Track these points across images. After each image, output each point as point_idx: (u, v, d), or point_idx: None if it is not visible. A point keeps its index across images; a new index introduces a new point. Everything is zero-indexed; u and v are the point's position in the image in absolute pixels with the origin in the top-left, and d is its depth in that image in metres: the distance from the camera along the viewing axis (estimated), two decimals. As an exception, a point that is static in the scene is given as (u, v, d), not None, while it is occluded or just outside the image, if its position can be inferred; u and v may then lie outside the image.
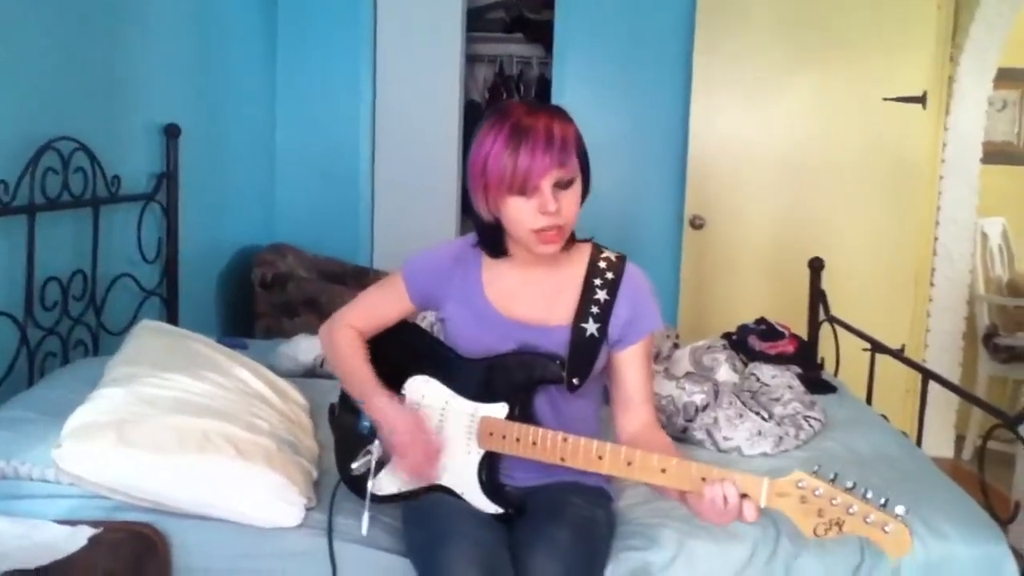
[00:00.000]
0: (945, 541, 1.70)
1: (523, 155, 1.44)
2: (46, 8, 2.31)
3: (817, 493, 1.27)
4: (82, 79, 2.49)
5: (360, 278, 3.79)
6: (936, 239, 4.06)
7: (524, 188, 1.46)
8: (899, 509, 1.24)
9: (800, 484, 1.28)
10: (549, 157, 1.44)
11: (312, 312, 3.44)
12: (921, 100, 3.71)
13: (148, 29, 2.84)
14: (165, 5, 2.95)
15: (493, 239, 1.58)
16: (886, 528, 1.23)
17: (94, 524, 1.54)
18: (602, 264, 1.63)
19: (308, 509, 1.69)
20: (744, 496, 1.32)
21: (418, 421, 1.59)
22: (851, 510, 1.25)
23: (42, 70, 2.30)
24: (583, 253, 1.65)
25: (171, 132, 2.95)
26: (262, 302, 3.53)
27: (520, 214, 1.48)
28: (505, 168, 1.45)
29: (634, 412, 1.63)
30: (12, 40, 2.17)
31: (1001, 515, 1.82)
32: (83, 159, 2.45)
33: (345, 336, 1.72)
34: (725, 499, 1.31)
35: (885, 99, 3.72)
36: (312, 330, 2.78)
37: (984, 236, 4.32)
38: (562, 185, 1.48)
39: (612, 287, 1.61)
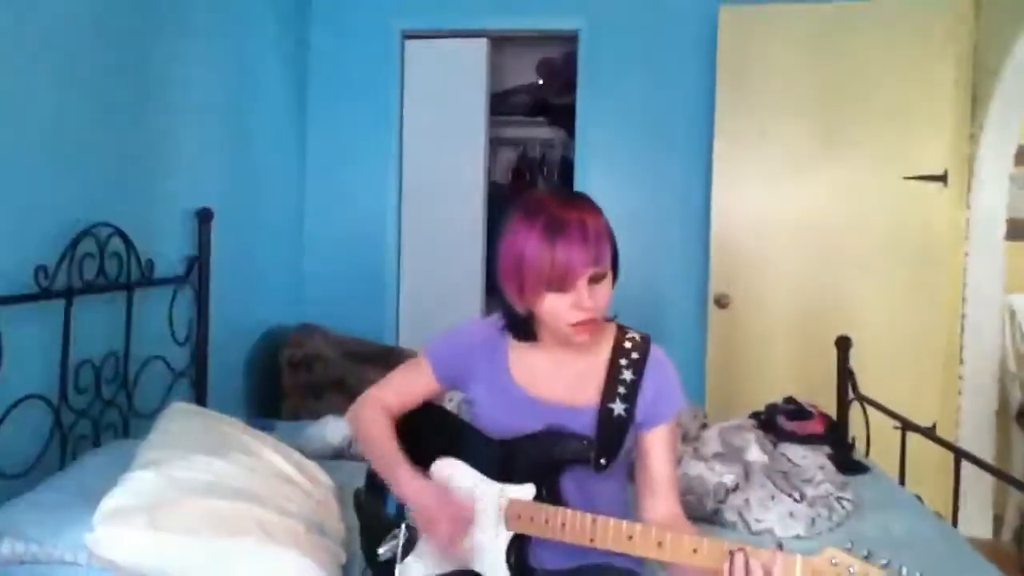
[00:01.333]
0: (986, 626, 1.66)
1: (560, 252, 1.45)
2: (83, 98, 2.40)
3: (852, 570, 1.25)
4: (119, 166, 2.58)
5: (386, 358, 3.81)
6: (964, 316, 4.03)
7: (562, 285, 1.47)
8: (935, 586, 1.22)
9: (834, 561, 1.27)
10: (586, 254, 1.45)
11: (339, 393, 3.46)
12: (942, 178, 3.74)
13: (181, 116, 2.94)
14: (198, 92, 3.06)
15: (523, 327, 1.60)
16: (923, 606, 1.21)
17: (124, 609, 1.54)
18: (627, 344, 1.64)
19: (336, 593, 1.68)
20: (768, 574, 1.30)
21: (446, 493, 1.59)
22: (887, 587, 1.23)
23: (80, 158, 2.39)
24: (608, 334, 1.66)
25: (204, 216, 3.02)
26: (289, 383, 3.55)
27: (556, 309, 1.50)
28: (543, 266, 1.46)
29: (661, 498, 1.62)
30: (52, 130, 2.26)
31: (1043, 599, 1.77)
32: (118, 244, 2.51)
33: (373, 415, 1.72)
34: (746, 563, 1.30)
35: (906, 177, 3.75)
36: (338, 411, 2.80)
37: (1012, 312, 4.29)
38: (596, 279, 1.50)
39: (638, 367, 1.62)
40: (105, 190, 2.51)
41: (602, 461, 1.55)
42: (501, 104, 4.86)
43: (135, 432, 2.51)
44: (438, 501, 1.56)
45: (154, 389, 2.74)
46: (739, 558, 1.32)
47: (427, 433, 1.70)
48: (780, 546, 1.34)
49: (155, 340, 2.77)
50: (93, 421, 2.40)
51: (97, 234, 2.40)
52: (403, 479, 1.60)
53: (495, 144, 4.83)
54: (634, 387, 1.60)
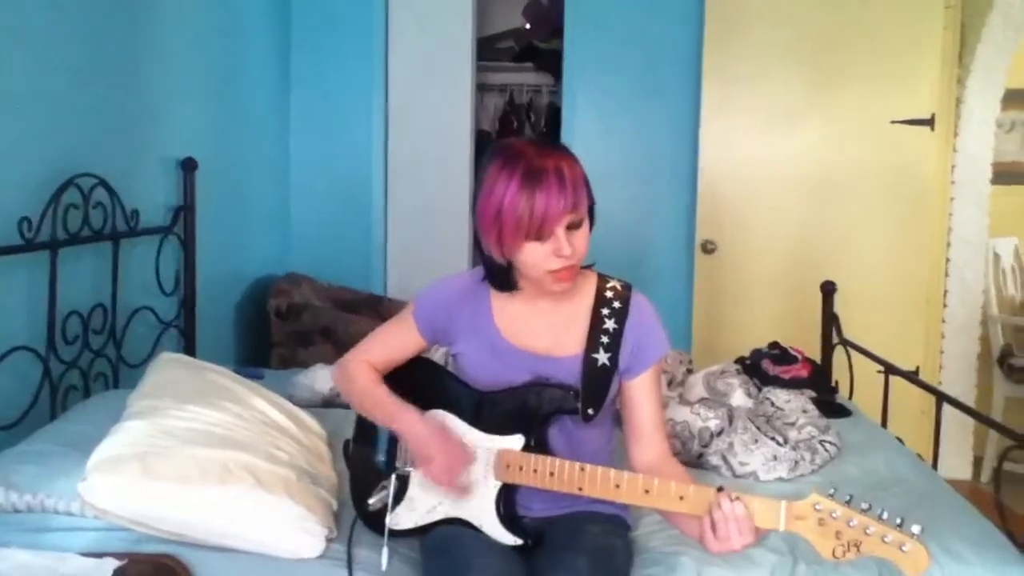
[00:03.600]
0: (963, 563, 1.70)
1: (538, 202, 1.45)
2: (65, 48, 2.36)
3: (834, 515, 1.29)
4: (101, 116, 2.55)
5: (374, 306, 3.82)
6: (948, 260, 4.07)
7: (540, 234, 1.48)
8: (915, 528, 1.25)
9: (817, 507, 1.30)
10: (563, 202, 1.46)
11: (327, 341, 3.47)
12: (929, 122, 3.73)
13: (164, 65, 2.89)
14: (180, 41, 3.01)
15: (503, 276, 1.60)
16: (903, 548, 1.24)
17: (119, 556, 1.56)
18: (609, 293, 1.65)
19: (328, 540, 1.70)
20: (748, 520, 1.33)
21: (444, 430, 1.61)
22: (868, 531, 1.26)
23: (62, 108, 2.36)
24: (589, 282, 1.67)
25: (188, 166, 3.00)
26: (277, 332, 3.56)
27: (535, 258, 1.51)
28: (521, 216, 1.46)
29: (647, 442, 1.65)
30: (33, 80, 2.23)
31: (1019, 537, 1.82)
32: (103, 194, 2.49)
33: (360, 369, 1.74)
34: (733, 510, 1.33)
35: (893, 122, 3.74)
36: (327, 359, 2.81)
37: (996, 256, 4.32)
38: (574, 226, 1.50)
39: (620, 316, 1.63)
40: (88, 140, 2.48)
41: (589, 411, 1.57)
42: (487, 49, 4.80)
43: (125, 382, 2.52)
44: (437, 437, 1.58)
45: (142, 339, 2.75)
46: (718, 514, 1.34)
47: (415, 386, 1.71)
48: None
49: (142, 290, 2.77)
50: (82, 372, 2.41)
51: (81, 184, 2.38)
52: (401, 416, 1.62)
53: (482, 90, 4.78)
54: (617, 336, 1.61)
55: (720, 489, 1.37)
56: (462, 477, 1.58)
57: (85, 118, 2.46)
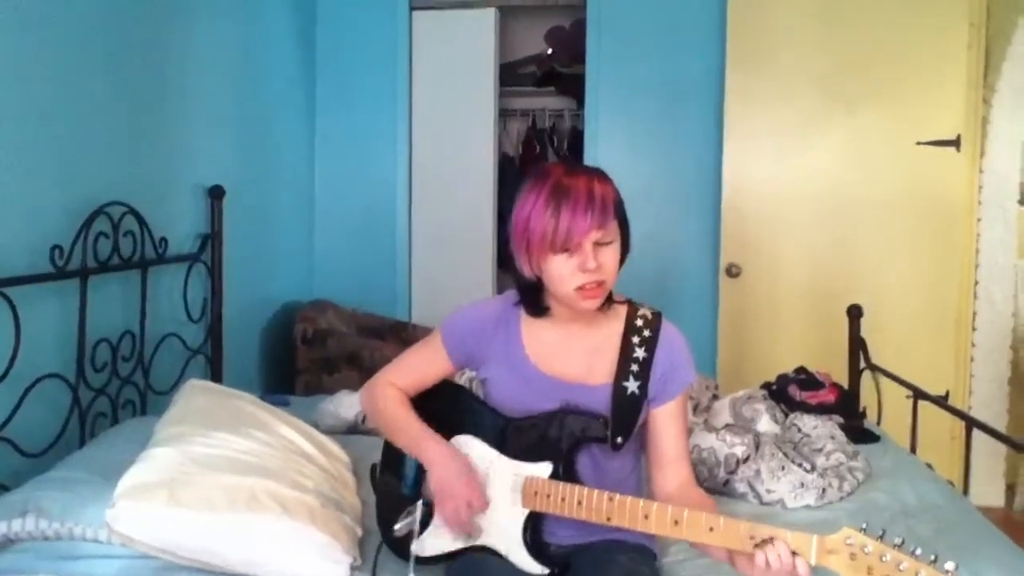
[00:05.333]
0: (997, 595, 1.67)
1: (564, 214, 1.48)
2: (93, 77, 2.40)
3: (867, 550, 1.27)
4: (130, 145, 2.59)
5: (399, 332, 3.83)
6: (976, 282, 4.01)
7: (566, 246, 1.49)
8: (949, 565, 1.23)
9: (849, 541, 1.28)
10: (590, 216, 1.48)
11: (352, 368, 3.49)
12: (955, 143, 3.71)
13: (192, 93, 2.94)
14: (208, 70, 3.06)
15: (534, 297, 1.61)
16: (937, 585, 1.22)
17: (146, 585, 1.56)
18: (639, 322, 1.65)
19: (353, 568, 1.70)
20: (795, 554, 1.31)
21: (468, 466, 1.61)
22: (901, 567, 1.24)
23: (92, 138, 2.40)
24: (620, 311, 1.67)
25: (215, 193, 3.03)
26: (303, 358, 3.58)
27: (562, 271, 1.51)
28: (547, 227, 1.48)
29: (671, 469, 1.64)
30: (62, 110, 2.27)
31: (1054, 567, 1.78)
32: (132, 222, 2.53)
33: (388, 394, 1.74)
34: (780, 558, 1.31)
35: (919, 143, 3.72)
36: (352, 385, 2.82)
37: (1026, 278, 4.27)
38: (602, 244, 1.52)
39: (650, 344, 1.63)
40: (117, 169, 2.52)
41: (618, 440, 1.57)
42: (510, 75, 4.82)
43: (152, 409, 2.55)
44: (463, 479, 1.58)
45: (170, 366, 2.77)
46: (760, 558, 1.32)
47: (442, 411, 1.71)
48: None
49: (170, 318, 2.80)
50: (111, 399, 2.43)
51: (111, 212, 2.41)
52: (428, 446, 1.63)
53: (505, 115, 4.80)
54: (646, 364, 1.61)
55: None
56: (470, 522, 1.58)
57: (114, 147, 2.50)
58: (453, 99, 4.19)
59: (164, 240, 2.71)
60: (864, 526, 1.29)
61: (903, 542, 1.27)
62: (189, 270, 2.88)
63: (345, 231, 4.19)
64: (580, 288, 1.52)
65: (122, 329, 2.51)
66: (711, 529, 1.38)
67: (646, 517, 1.44)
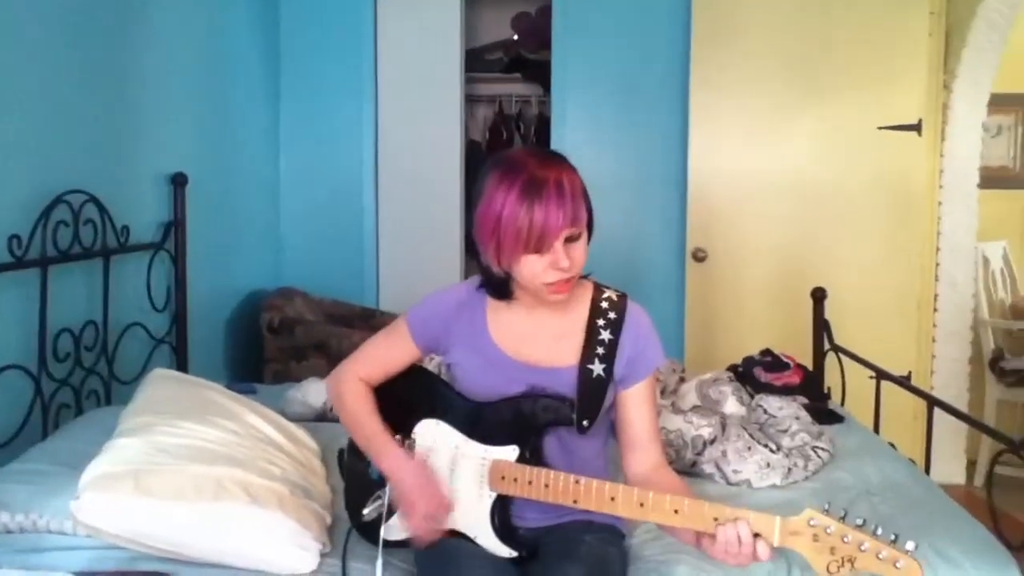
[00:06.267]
0: (956, 568, 1.70)
1: (537, 214, 1.45)
2: (53, 64, 2.36)
3: (829, 531, 1.29)
4: (90, 132, 2.55)
5: (367, 320, 3.82)
6: (938, 265, 4.08)
7: (539, 246, 1.47)
8: (909, 545, 1.25)
9: (812, 522, 1.30)
10: (563, 215, 1.46)
11: (320, 355, 3.47)
12: (916, 128, 3.76)
13: (153, 81, 2.90)
14: (169, 56, 3.01)
15: (500, 286, 1.60)
16: (897, 564, 1.24)
17: (112, 575, 1.55)
18: (604, 304, 1.66)
19: (323, 554, 1.70)
20: (757, 535, 1.33)
21: (428, 475, 1.60)
22: (863, 547, 1.27)
23: (51, 125, 2.36)
24: (585, 293, 1.67)
25: (178, 181, 3.00)
26: (270, 347, 3.56)
27: (533, 270, 1.50)
28: (520, 228, 1.45)
29: (642, 451, 1.65)
30: (22, 98, 2.23)
31: (1012, 541, 1.82)
32: (93, 211, 2.49)
33: (352, 388, 1.73)
34: (739, 539, 1.33)
35: (881, 127, 3.76)
36: (321, 373, 2.81)
37: (986, 260, 4.35)
38: (572, 239, 1.50)
39: (616, 327, 1.63)
40: (77, 156, 2.48)
41: (584, 422, 1.57)
42: (477, 60, 4.81)
43: (117, 399, 2.52)
44: (421, 486, 1.58)
45: (134, 356, 2.74)
46: (723, 533, 1.34)
47: (410, 396, 1.71)
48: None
49: (134, 307, 2.76)
50: (74, 389, 2.41)
51: (70, 201, 2.38)
52: (388, 454, 1.62)
53: (471, 101, 4.79)
54: (612, 347, 1.62)
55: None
56: (436, 528, 1.58)
57: (74, 135, 2.46)
58: (419, 85, 4.17)
59: (126, 229, 2.67)
60: (827, 506, 1.31)
61: (864, 522, 1.29)
62: (152, 259, 2.85)
63: (312, 218, 4.16)
64: (550, 283, 1.52)
65: (85, 319, 2.47)
66: (676, 511, 1.39)
67: (612, 499, 1.45)
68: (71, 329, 2.38)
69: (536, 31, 4.77)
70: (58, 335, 2.33)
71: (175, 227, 2.99)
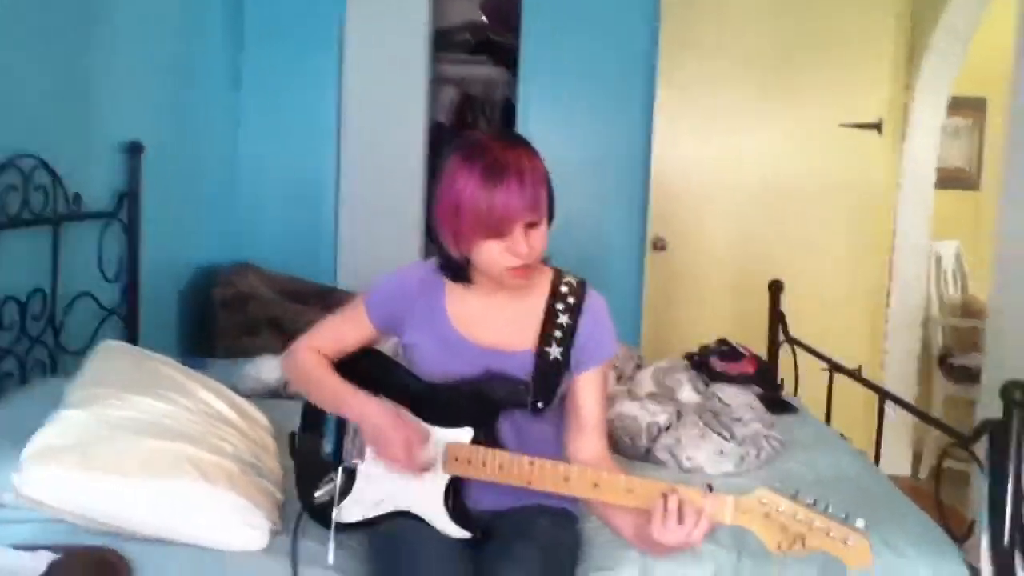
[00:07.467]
0: (903, 558, 1.73)
1: (498, 200, 1.43)
2: (9, 28, 2.28)
3: (780, 509, 1.30)
4: (44, 96, 2.47)
5: (323, 298, 3.77)
6: (892, 262, 4.14)
7: (499, 232, 1.46)
8: (859, 523, 1.27)
9: (763, 501, 1.31)
10: (523, 201, 1.44)
11: (274, 332, 3.42)
12: (877, 127, 3.80)
13: (111, 46, 2.82)
14: (128, 22, 2.93)
15: (458, 270, 1.59)
16: (847, 541, 1.26)
17: (55, 549, 1.51)
18: (564, 289, 1.65)
19: (273, 533, 1.67)
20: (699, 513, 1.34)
21: (397, 414, 1.58)
22: (813, 525, 1.28)
23: (3, 88, 2.28)
24: (545, 277, 1.66)
25: (133, 150, 2.93)
26: (222, 321, 3.50)
27: (491, 255, 1.49)
28: (479, 213, 1.44)
29: (587, 439, 1.65)
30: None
31: (957, 533, 1.86)
32: (44, 176, 2.42)
33: (308, 356, 1.71)
34: (679, 506, 1.34)
35: (843, 125, 3.80)
36: (274, 350, 2.77)
37: (938, 259, 4.42)
38: (533, 225, 1.49)
39: (574, 312, 1.63)
40: (28, 120, 2.40)
41: (539, 404, 1.57)
42: (444, 41, 4.76)
43: (64, 370, 2.46)
44: (390, 416, 1.56)
45: (83, 327, 2.68)
46: (672, 500, 1.35)
47: (363, 377, 1.68)
48: (710, 487, 1.37)
49: (83, 277, 2.70)
50: (19, 359, 2.34)
51: (20, 166, 2.31)
52: (350, 400, 1.61)
53: (437, 83, 4.74)
54: (570, 331, 1.61)
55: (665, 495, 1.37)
56: (420, 456, 1.56)
57: (25, 98, 2.38)
58: (385, 64, 4.12)
59: (78, 196, 2.60)
60: (778, 486, 1.32)
61: (815, 501, 1.31)
62: (104, 228, 2.78)
63: (270, 193, 4.09)
64: (510, 269, 1.51)
65: (32, 287, 2.40)
66: (630, 491, 1.40)
67: (566, 480, 1.45)
68: (16, 297, 2.32)
69: (505, 15, 4.73)
70: (3, 303, 2.26)
71: (129, 197, 2.92)
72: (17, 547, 1.51)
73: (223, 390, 2.15)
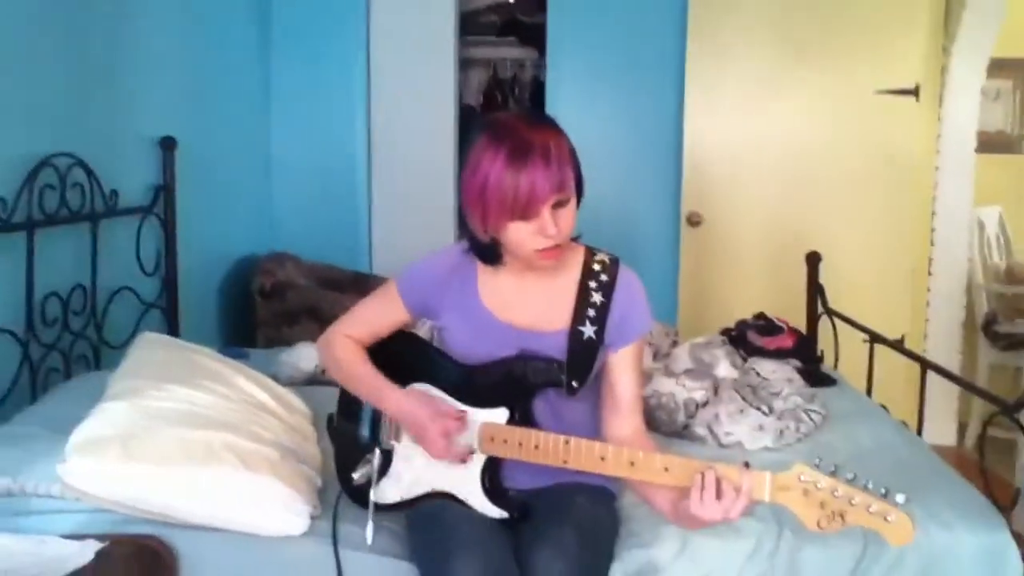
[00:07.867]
0: (947, 529, 1.71)
1: (524, 181, 1.42)
2: (41, 26, 2.32)
3: (819, 486, 1.29)
4: (78, 94, 2.50)
5: (359, 284, 3.80)
6: (933, 230, 4.07)
7: (525, 213, 1.45)
8: (899, 498, 1.25)
9: (802, 477, 1.30)
10: (550, 181, 1.43)
11: (312, 320, 3.45)
12: (914, 92, 3.71)
13: (141, 43, 2.85)
14: (159, 19, 2.96)
15: (488, 252, 1.59)
16: (888, 518, 1.24)
17: (101, 538, 1.54)
18: (596, 267, 1.64)
19: (313, 518, 1.69)
20: (738, 491, 1.33)
21: (432, 401, 1.60)
22: (853, 501, 1.26)
23: (38, 87, 2.32)
24: (577, 256, 1.66)
25: (167, 145, 2.96)
26: (262, 311, 3.54)
27: (520, 236, 1.49)
28: (506, 195, 1.43)
29: (624, 417, 1.65)
30: (8, 58, 2.18)
31: (1003, 502, 1.83)
32: (80, 174, 2.46)
33: (344, 345, 1.73)
34: (717, 481, 1.33)
35: (878, 91, 3.72)
36: (312, 338, 2.77)
37: (981, 225, 4.33)
38: (560, 204, 1.48)
39: (607, 289, 1.62)
40: (64, 119, 2.44)
41: (574, 384, 1.57)
42: (471, 23, 4.75)
43: (106, 364, 2.51)
44: (425, 409, 1.57)
45: (124, 320, 2.72)
46: (710, 476, 1.34)
47: (399, 360, 1.70)
48: (747, 464, 1.36)
49: (123, 271, 2.74)
50: (63, 354, 2.39)
51: (57, 164, 2.34)
52: (389, 396, 1.62)
53: (465, 65, 4.73)
54: (603, 309, 1.60)
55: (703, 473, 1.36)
56: (460, 443, 1.57)
57: (60, 97, 2.42)
58: (412, 48, 4.11)
59: (115, 192, 2.64)
60: (817, 462, 1.31)
61: (855, 477, 1.29)
62: (142, 223, 2.82)
63: (304, 182, 4.12)
64: (539, 250, 1.50)
65: (73, 283, 2.45)
66: (666, 469, 1.39)
67: (602, 459, 1.44)
68: (59, 293, 2.36)
69: (531, -7, 4.70)
70: (46, 299, 2.30)
71: (164, 191, 2.96)
72: (65, 537, 1.55)
73: (261, 378, 2.17)
